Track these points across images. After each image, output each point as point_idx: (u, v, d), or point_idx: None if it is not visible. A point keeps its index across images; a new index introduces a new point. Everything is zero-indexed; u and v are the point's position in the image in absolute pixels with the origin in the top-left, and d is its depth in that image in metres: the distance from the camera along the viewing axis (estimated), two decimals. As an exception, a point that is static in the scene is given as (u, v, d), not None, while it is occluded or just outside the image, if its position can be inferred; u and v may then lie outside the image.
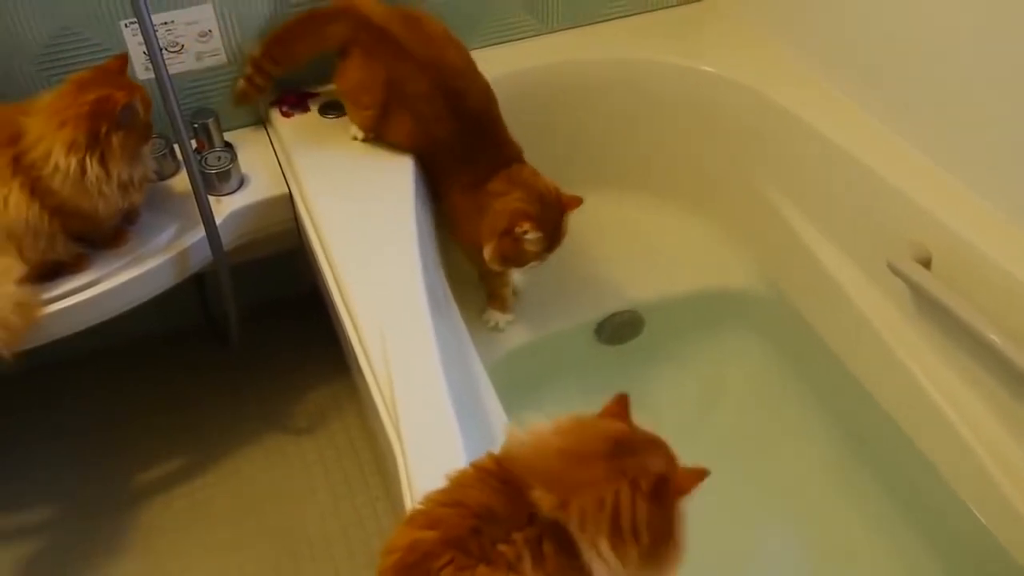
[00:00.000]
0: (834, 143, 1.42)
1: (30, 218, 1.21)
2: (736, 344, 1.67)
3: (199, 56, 1.48)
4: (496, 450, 0.83)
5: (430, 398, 1.06)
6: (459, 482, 0.81)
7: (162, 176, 1.45)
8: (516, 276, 1.56)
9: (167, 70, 1.23)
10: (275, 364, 1.76)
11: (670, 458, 0.82)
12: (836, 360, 1.52)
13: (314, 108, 1.55)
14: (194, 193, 1.33)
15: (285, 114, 1.54)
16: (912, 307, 1.35)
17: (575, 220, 1.39)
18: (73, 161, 1.19)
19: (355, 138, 1.46)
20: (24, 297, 1.23)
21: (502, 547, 0.75)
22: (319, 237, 1.32)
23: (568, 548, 0.76)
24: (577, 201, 1.36)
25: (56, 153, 1.18)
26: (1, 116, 1.23)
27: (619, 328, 1.63)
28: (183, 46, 1.46)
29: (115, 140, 1.21)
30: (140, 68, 1.45)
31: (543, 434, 0.81)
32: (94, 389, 1.74)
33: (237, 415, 1.69)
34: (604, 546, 0.75)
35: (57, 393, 1.73)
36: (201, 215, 1.35)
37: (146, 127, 1.28)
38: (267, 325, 1.76)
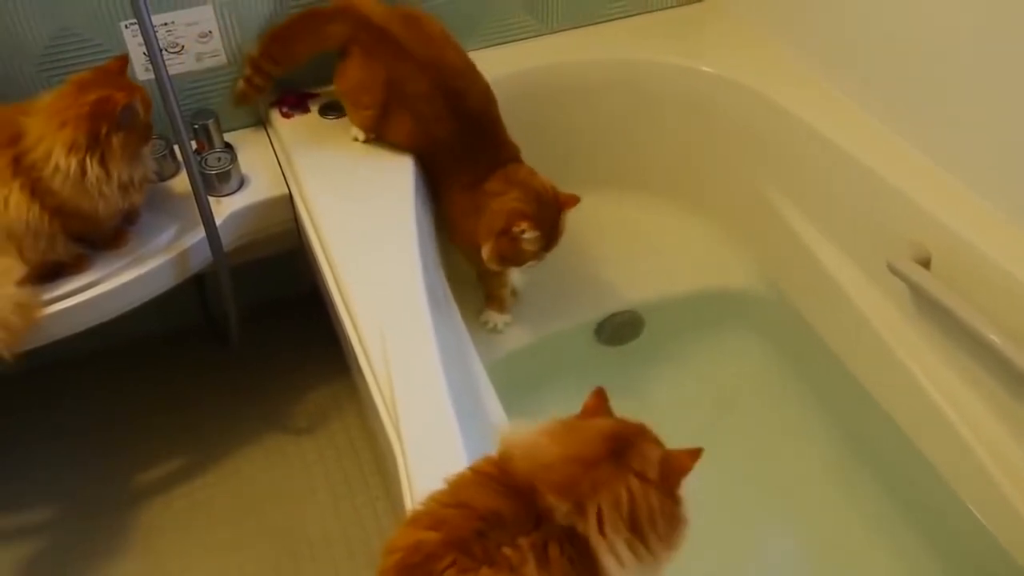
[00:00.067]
0: (834, 143, 1.42)
1: (30, 219, 1.21)
2: (736, 344, 1.67)
3: (199, 57, 1.48)
4: (493, 453, 0.83)
5: (430, 398, 1.06)
6: (461, 484, 0.81)
7: (162, 177, 1.45)
8: (516, 277, 1.56)
9: (167, 71, 1.23)
10: (275, 364, 1.76)
11: (658, 440, 0.84)
12: (836, 360, 1.52)
13: (314, 109, 1.55)
14: (194, 194, 1.33)
15: (285, 115, 1.54)
16: (912, 307, 1.35)
17: (575, 220, 1.39)
18: (73, 162, 1.19)
19: (356, 139, 1.47)
20: (24, 298, 1.23)
21: (506, 550, 0.75)
22: (319, 237, 1.32)
23: (575, 552, 0.77)
24: (574, 199, 1.36)
25: (56, 154, 1.18)
26: (1, 117, 1.23)
27: (619, 328, 1.63)
28: (183, 47, 1.46)
29: (115, 141, 1.21)
30: (140, 69, 1.45)
31: (540, 440, 0.81)
32: (94, 389, 1.74)
33: (237, 415, 1.69)
34: (621, 545, 0.77)
35: (57, 393, 1.73)
36: (201, 216, 1.35)
37: (146, 128, 1.28)
38: (267, 325, 1.76)
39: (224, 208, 1.42)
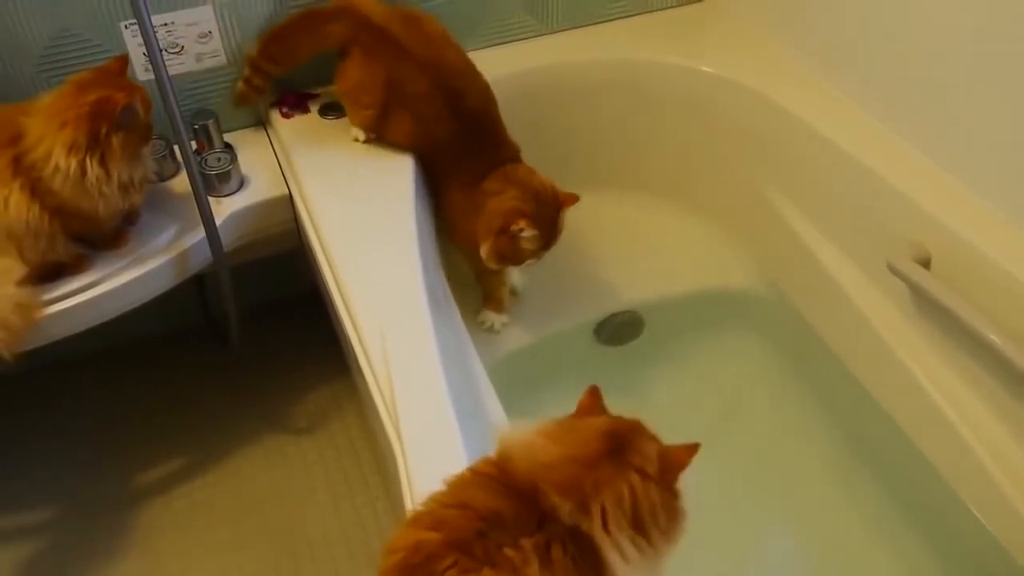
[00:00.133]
0: (834, 143, 1.42)
1: (30, 219, 1.21)
2: (736, 344, 1.67)
3: (199, 57, 1.48)
4: (492, 454, 0.83)
5: (430, 398, 1.06)
6: (461, 485, 0.81)
7: (162, 177, 1.45)
8: (516, 277, 1.56)
9: (167, 71, 1.23)
10: (275, 364, 1.76)
11: (655, 435, 0.84)
12: (836, 360, 1.52)
13: (314, 109, 1.55)
14: (194, 194, 1.33)
15: (285, 115, 1.54)
16: (912, 307, 1.35)
17: (575, 220, 1.39)
18: (73, 162, 1.19)
19: (356, 139, 1.47)
20: (24, 298, 1.23)
21: (508, 551, 0.75)
22: (319, 237, 1.32)
23: (577, 551, 0.77)
24: (573, 198, 1.36)
25: (57, 154, 1.18)
26: (1, 117, 1.23)
27: (619, 328, 1.63)
28: (183, 47, 1.46)
29: (115, 141, 1.21)
30: (140, 69, 1.45)
31: (538, 440, 0.81)
32: (94, 389, 1.74)
33: (237, 415, 1.69)
34: (625, 542, 0.77)
35: (57, 393, 1.73)
36: (201, 216, 1.35)
37: (146, 128, 1.28)
38: (267, 325, 1.76)
39: (224, 208, 1.42)
